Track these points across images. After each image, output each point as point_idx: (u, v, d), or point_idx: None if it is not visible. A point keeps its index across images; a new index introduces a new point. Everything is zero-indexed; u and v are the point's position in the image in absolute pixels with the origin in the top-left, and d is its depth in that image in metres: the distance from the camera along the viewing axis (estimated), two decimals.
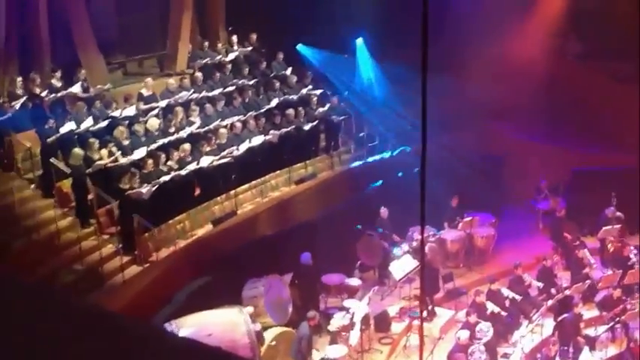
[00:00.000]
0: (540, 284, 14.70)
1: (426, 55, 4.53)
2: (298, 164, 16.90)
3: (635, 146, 15.91)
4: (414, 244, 14.98)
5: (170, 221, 14.05)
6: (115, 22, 18.21)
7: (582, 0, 19.53)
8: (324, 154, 17.86)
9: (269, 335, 12.41)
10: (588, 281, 14.71)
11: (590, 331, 13.75)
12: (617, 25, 18.98)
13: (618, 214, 16.54)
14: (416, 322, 13.47)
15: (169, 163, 14.16)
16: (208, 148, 14.89)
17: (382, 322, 13.71)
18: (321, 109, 17.61)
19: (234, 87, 17.34)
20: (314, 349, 12.52)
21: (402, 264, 14.45)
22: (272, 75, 18.45)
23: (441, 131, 15.97)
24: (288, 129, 16.60)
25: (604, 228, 16.19)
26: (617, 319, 13.74)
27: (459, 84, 18.11)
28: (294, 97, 17.92)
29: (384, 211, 15.88)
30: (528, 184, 18.13)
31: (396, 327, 13.86)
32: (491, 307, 13.81)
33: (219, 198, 15.02)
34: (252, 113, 16.51)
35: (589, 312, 14.38)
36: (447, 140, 17.30)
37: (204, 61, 17.75)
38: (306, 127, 17.14)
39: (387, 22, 18.23)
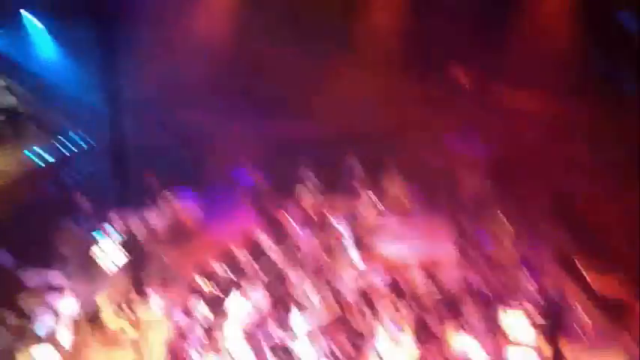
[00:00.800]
0: (250, 256, 14.91)
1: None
2: None
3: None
4: (117, 228, 14.37)
5: None
6: None
7: None
8: (8, 146, 16.39)
9: None
10: (294, 248, 15.23)
11: (304, 296, 14.30)
12: None
13: (316, 180, 17.28)
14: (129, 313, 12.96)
15: None
16: None
17: (93, 316, 12.98)
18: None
19: None
20: (19, 351, 11.52)
21: (108, 251, 13.79)
22: None
23: (135, 114, 15.61)
24: None
25: (303, 194, 16.81)
26: (325, 282, 14.42)
27: (150, 67, 17.64)
28: None
29: (82, 200, 15.01)
30: (231, 160, 18.26)
31: (110, 319, 13.18)
32: (204, 285, 13.71)
33: None
34: None
35: (297, 277, 14.86)
36: (144, 123, 16.85)
37: None
38: None
39: None
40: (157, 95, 17.78)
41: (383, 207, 17.16)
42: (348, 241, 15.87)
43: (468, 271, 14.77)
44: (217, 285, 13.90)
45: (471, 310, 14.09)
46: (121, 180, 15.91)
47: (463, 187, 17.25)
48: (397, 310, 14.09)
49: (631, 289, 14.22)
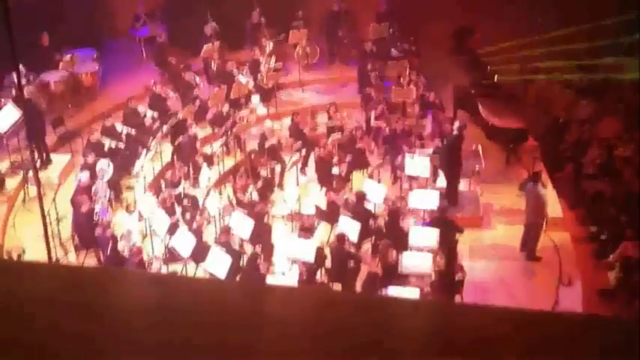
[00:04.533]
0: (154, 113, 14.81)
1: None
2: None
3: None
4: (13, 91, 13.90)
5: None
6: None
7: None
8: None
9: None
10: (197, 102, 15.15)
11: (207, 149, 14.43)
12: None
13: (216, 28, 16.94)
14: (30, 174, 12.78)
15: None
16: None
17: None
18: None
19: None
20: None
21: (5, 114, 13.37)
22: None
23: None
24: None
25: (205, 46, 16.54)
26: (229, 132, 14.53)
27: None
28: None
29: None
30: (126, 14, 17.66)
31: (10, 183, 13.06)
32: (107, 143, 13.63)
33: None
34: None
35: (203, 131, 14.93)
36: None
37: None
38: None
39: None
40: None
41: (287, 56, 17.09)
42: (251, 90, 15.89)
43: (371, 114, 15.04)
44: (122, 143, 13.84)
45: (374, 153, 14.56)
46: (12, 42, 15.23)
47: (365, 32, 17.24)
48: (300, 153, 14.45)
49: (523, 120, 14.82)
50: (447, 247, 11.55)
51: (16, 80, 14.07)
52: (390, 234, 11.97)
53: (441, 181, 13.38)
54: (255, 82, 16.12)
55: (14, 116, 13.26)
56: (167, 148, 14.23)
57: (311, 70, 17.38)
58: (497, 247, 12.69)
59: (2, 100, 13.77)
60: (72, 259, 11.85)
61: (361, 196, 12.60)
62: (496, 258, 12.41)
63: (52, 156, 13.79)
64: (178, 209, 12.53)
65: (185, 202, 12.80)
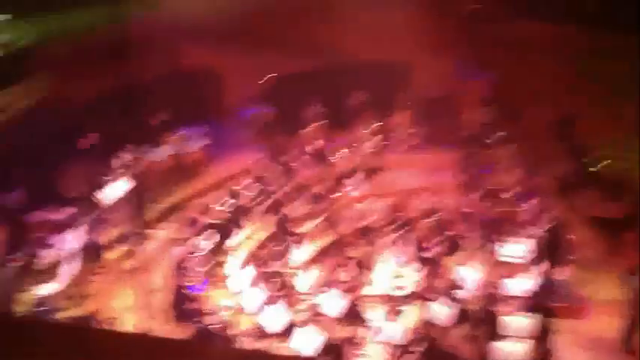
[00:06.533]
0: (254, 191, 15.14)
1: None
2: None
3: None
4: (124, 167, 14.58)
5: None
6: None
7: None
8: (11, 85, 16.52)
9: None
10: (296, 181, 15.41)
11: (303, 228, 14.55)
12: None
13: (319, 112, 17.34)
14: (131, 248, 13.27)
15: None
16: None
17: (95, 252, 13.31)
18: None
19: None
20: (24, 289, 11.91)
21: (112, 189, 14.04)
22: None
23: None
24: None
25: (308, 127, 16.92)
26: (325, 212, 14.64)
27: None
28: None
29: (86, 139, 15.16)
30: (234, 95, 18.36)
31: (112, 254, 13.53)
32: (207, 219, 13.97)
33: None
34: None
35: (299, 209, 15.07)
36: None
37: None
38: None
39: None
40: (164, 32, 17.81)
41: (387, 137, 17.22)
42: (349, 171, 16.03)
43: (469, 200, 14.84)
44: (219, 218, 14.17)
45: (470, 239, 14.26)
46: (128, 118, 16.18)
47: (468, 116, 17.21)
48: (395, 235, 14.31)
49: (630, 213, 14.23)
50: (543, 337, 11.06)
51: (125, 156, 14.99)
52: (484, 321, 11.58)
53: (538, 269, 12.92)
54: (354, 162, 16.28)
55: (121, 190, 13.91)
56: (263, 226, 14.44)
57: (411, 152, 17.40)
58: (596, 339, 12.04)
59: (111, 175, 14.45)
60: (165, 331, 12.04)
61: (454, 282, 12.32)
62: (594, 350, 11.76)
63: (153, 230, 14.25)
64: (270, 286, 12.58)
65: (277, 279, 12.86)
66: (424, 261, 13.43)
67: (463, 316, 11.90)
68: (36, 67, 16.76)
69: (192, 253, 12.84)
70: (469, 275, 12.59)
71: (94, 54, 16.45)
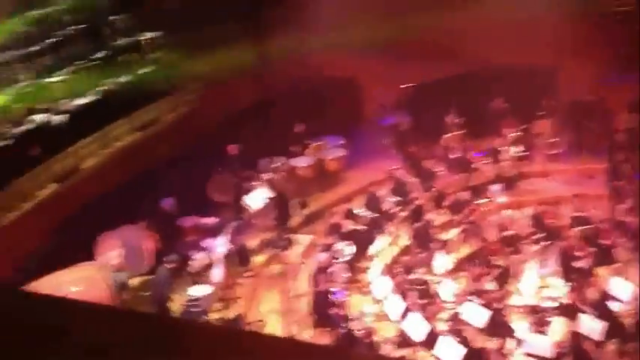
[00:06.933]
0: (394, 198, 15.16)
1: None
2: (140, 109, 16.35)
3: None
4: (266, 175, 15.01)
5: (10, 185, 13.43)
6: None
7: None
8: (164, 96, 17.36)
9: (132, 285, 12.24)
10: (437, 188, 15.30)
11: (444, 235, 14.41)
12: None
13: (457, 120, 17.18)
14: (276, 253, 13.61)
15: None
16: (44, 105, 14.45)
17: (242, 257, 13.73)
18: (152, 54, 17.17)
19: (60, 38, 16.58)
20: (176, 292, 12.46)
21: (256, 196, 14.47)
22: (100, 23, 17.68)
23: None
24: (123, 76, 16.07)
25: (446, 135, 16.79)
26: (467, 220, 14.45)
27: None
28: (125, 43, 17.34)
29: (232, 148, 15.72)
30: (372, 103, 18.48)
31: (257, 259, 13.94)
32: (348, 225, 14.13)
33: (59, 155, 14.41)
34: (82, 63, 15.88)
35: (441, 217, 14.98)
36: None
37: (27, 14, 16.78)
38: (140, 72, 16.64)
39: None
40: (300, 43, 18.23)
41: (529, 145, 16.78)
42: (492, 179, 15.74)
43: (619, 209, 14.21)
44: (362, 225, 14.28)
45: (623, 249, 13.65)
46: (272, 127, 16.67)
47: (615, 122, 16.50)
48: (541, 245, 13.90)
49: None
50: None
51: (268, 165, 15.44)
52: (637, 336, 11.05)
53: None
54: (495, 170, 15.98)
55: (265, 197, 14.33)
56: (405, 233, 14.42)
57: (556, 160, 16.87)
58: None
59: (256, 182, 14.91)
60: (308, 335, 12.26)
61: (606, 294, 11.82)
62: None
63: (296, 236, 14.56)
64: (412, 294, 12.54)
65: (419, 287, 12.79)
66: (574, 271, 12.98)
67: (615, 330, 11.39)
68: (182, 80, 17.56)
69: (336, 259, 12.99)
70: (622, 287, 12.05)
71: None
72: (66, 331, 1.91)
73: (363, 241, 13.97)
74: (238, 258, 13.63)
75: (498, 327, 11.73)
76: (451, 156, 16.58)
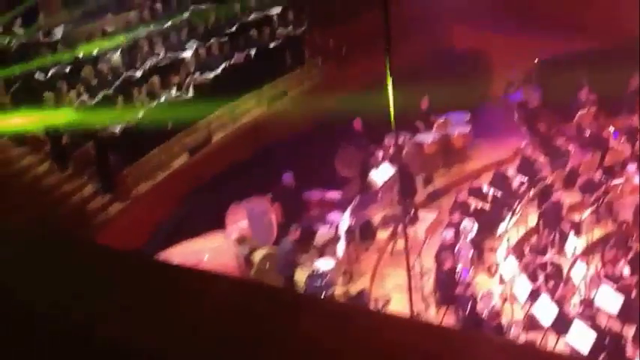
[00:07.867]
0: (522, 176, 14.73)
1: None
2: (268, 84, 16.58)
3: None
4: (391, 150, 14.88)
5: (146, 155, 14.00)
6: None
7: None
8: (291, 70, 17.52)
9: (257, 256, 12.48)
10: (568, 167, 14.75)
11: (576, 216, 13.89)
12: None
13: (592, 96, 16.47)
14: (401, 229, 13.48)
15: (140, 97, 14.24)
16: (177, 79, 14.91)
17: (367, 232, 13.75)
18: (282, 29, 17.30)
19: (193, 13, 17.06)
20: (301, 264, 12.63)
21: (382, 172, 14.40)
22: None
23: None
24: (253, 49, 16.32)
25: (579, 112, 16.14)
26: (600, 201, 13.87)
27: None
28: (256, 17, 17.57)
29: (357, 122, 15.66)
30: (499, 78, 17.96)
31: (381, 235, 13.91)
32: (473, 203, 13.86)
33: (191, 128, 14.85)
34: (215, 38, 16.23)
35: (572, 197, 14.45)
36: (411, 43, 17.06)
37: None
38: (271, 46, 16.83)
39: None
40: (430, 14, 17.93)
41: None
42: (628, 158, 15.00)
43: None
44: (488, 204, 13.98)
45: None
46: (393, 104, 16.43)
47: None
48: None
49: None
50: None
51: (393, 141, 15.27)
52: None
53: None
54: (632, 149, 15.22)
55: (389, 173, 14.23)
56: (533, 213, 14.00)
57: None
58: None
59: (382, 157, 14.82)
60: (432, 313, 12.16)
61: None
62: None
63: (421, 212, 14.40)
64: (541, 276, 12.18)
65: (549, 269, 12.41)
66: None
67: None
68: (311, 53, 17.64)
69: (462, 237, 12.77)
70: None
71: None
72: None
73: (489, 220, 13.64)
74: (362, 233, 13.65)
75: (632, 313, 11.23)
76: (586, 133, 15.92)
